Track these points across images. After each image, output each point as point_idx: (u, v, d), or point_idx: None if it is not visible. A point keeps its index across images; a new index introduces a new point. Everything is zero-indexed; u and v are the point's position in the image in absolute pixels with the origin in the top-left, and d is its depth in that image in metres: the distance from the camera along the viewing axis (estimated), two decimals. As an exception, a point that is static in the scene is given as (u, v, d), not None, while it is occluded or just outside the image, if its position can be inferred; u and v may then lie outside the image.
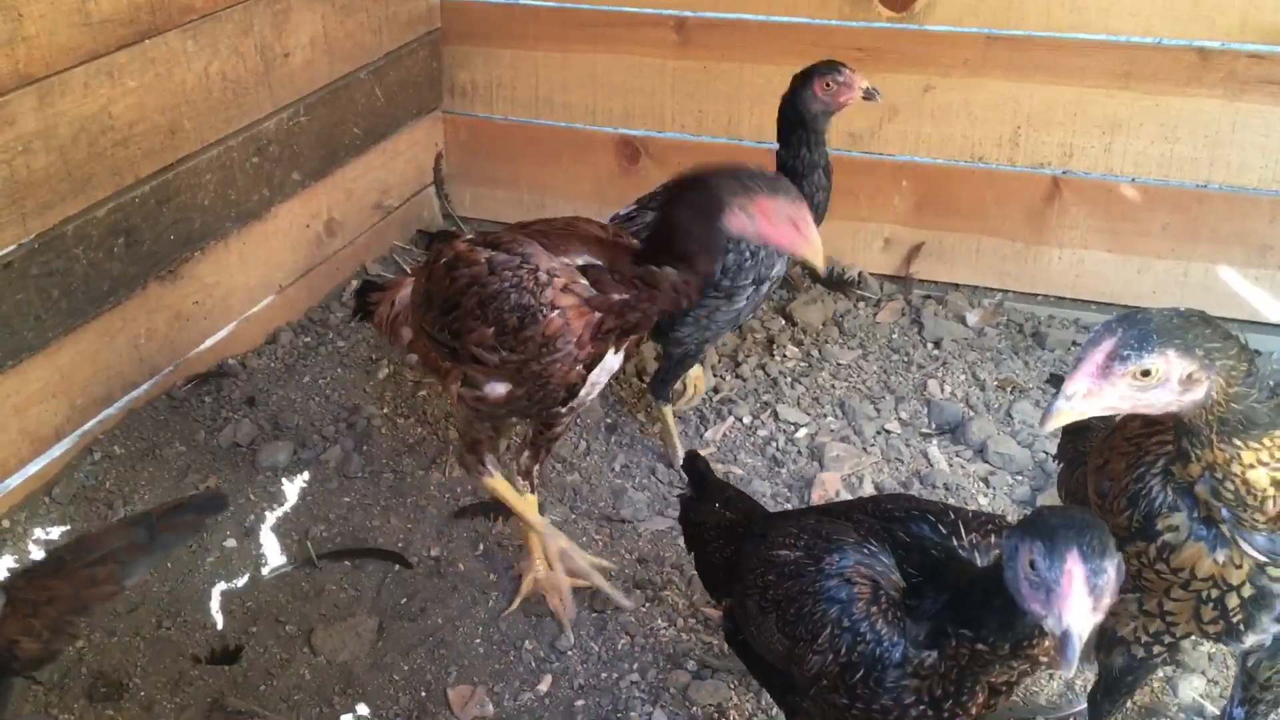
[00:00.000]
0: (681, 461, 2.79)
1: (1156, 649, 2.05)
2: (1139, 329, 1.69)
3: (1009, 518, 3.11)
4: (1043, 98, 3.83)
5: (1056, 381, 2.65)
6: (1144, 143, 3.78)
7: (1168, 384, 1.69)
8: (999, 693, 1.84)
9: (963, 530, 1.94)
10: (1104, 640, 2.13)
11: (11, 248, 2.95)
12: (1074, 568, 1.52)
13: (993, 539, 1.93)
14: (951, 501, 3.20)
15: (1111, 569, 1.54)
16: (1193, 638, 2.10)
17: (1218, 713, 2.58)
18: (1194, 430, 1.75)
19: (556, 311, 2.45)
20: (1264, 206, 3.73)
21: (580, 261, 2.52)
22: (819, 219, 3.18)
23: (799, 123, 3.03)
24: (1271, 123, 3.63)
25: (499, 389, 2.62)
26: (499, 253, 2.53)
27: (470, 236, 2.74)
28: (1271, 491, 1.75)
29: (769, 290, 3.15)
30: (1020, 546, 1.59)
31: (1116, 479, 2.01)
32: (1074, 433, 2.45)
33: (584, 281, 2.48)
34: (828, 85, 3.01)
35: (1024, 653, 1.74)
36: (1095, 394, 1.71)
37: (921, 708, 1.85)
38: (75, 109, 3.04)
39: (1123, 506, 1.96)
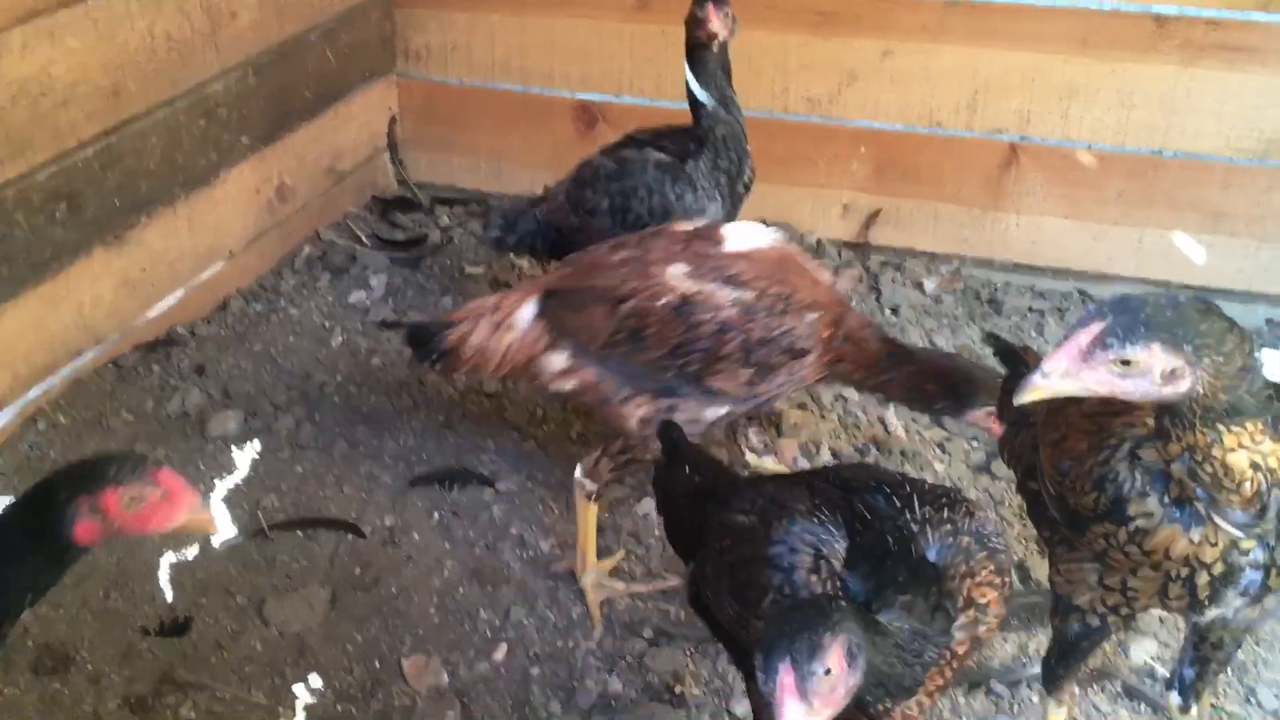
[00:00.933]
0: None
1: (1113, 619, 2.06)
2: (1129, 317, 1.65)
3: (963, 484, 3.14)
4: (1001, 64, 3.82)
5: (992, 340, 2.66)
6: (1101, 109, 3.78)
7: (1149, 375, 1.67)
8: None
9: (916, 504, 1.92)
10: (1060, 606, 2.13)
11: (-52, 212, 2.88)
12: (784, 678, 1.54)
13: (945, 513, 1.92)
14: (908, 468, 3.21)
15: (825, 666, 1.55)
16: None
17: (1168, 674, 2.60)
18: (1177, 413, 1.73)
19: (814, 354, 2.67)
20: (1218, 173, 3.75)
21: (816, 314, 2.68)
22: (742, 186, 3.20)
23: (692, 64, 3.08)
24: (1226, 89, 3.64)
25: (718, 412, 2.69)
26: (744, 293, 2.62)
27: (682, 272, 2.67)
28: (1250, 474, 1.74)
29: None
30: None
31: (1078, 459, 1.99)
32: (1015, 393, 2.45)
33: (840, 329, 2.71)
34: (696, 19, 3.07)
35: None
36: (1073, 375, 1.69)
37: None
38: (14, 70, 2.95)
39: (1088, 489, 1.94)
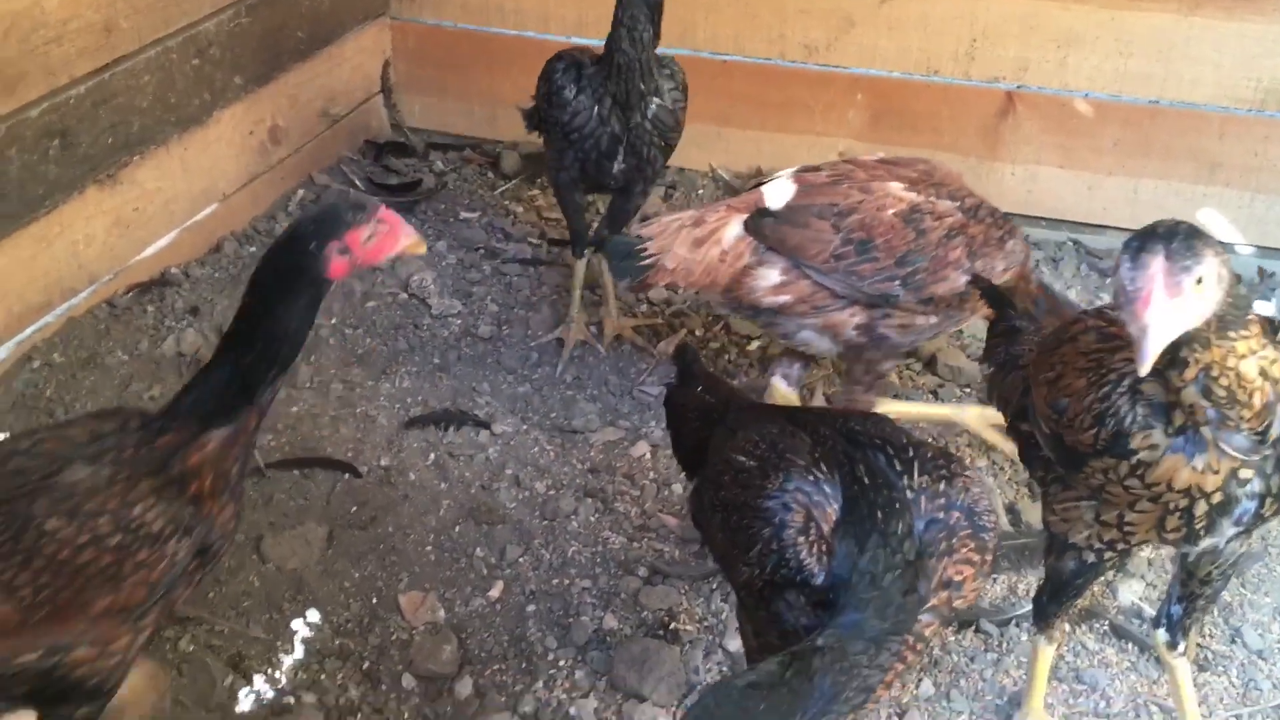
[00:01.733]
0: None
1: (1108, 555, 2.08)
2: (1179, 240, 1.65)
3: (957, 430, 3.16)
4: (999, 10, 3.80)
5: (980, 283, 2.68)
6: (1099, 57, 3.77)
7: (1213, 286, 1.68)
8: None
9: (915, 470, 1.92)
10: (1054, 544, 2.15)
11: (-59, 147, 2.85)
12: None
13: (941, 485, 1.90)
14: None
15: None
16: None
17: (1155, 614, 2.64)
18: (1194, 335, 1.74)
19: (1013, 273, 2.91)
20: (1214, 123, 3.75)
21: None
22: (644, 119, 3.17)
23: None
24: (1224, 38, 3.63)
25: (929, 321, 2.88)
26: (965, 202, 2.86)
27: (902, 186, 2.84)
28: (1259, 382, 1.77)
29: None
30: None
31: (1076, 395, 2.01)
32: (1004, 335, 2.47)
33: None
34: None
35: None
36: (1173, 314, 1.66)
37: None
38: (5, 3, 2.92)
39: (1087, 424, 1.96)
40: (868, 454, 1.92)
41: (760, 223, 2.80)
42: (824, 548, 1.85)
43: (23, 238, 3.12)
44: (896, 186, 2.82)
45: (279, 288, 1.89)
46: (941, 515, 1.88)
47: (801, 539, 1.87)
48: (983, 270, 2.78)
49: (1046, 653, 2.31)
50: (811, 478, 1.93)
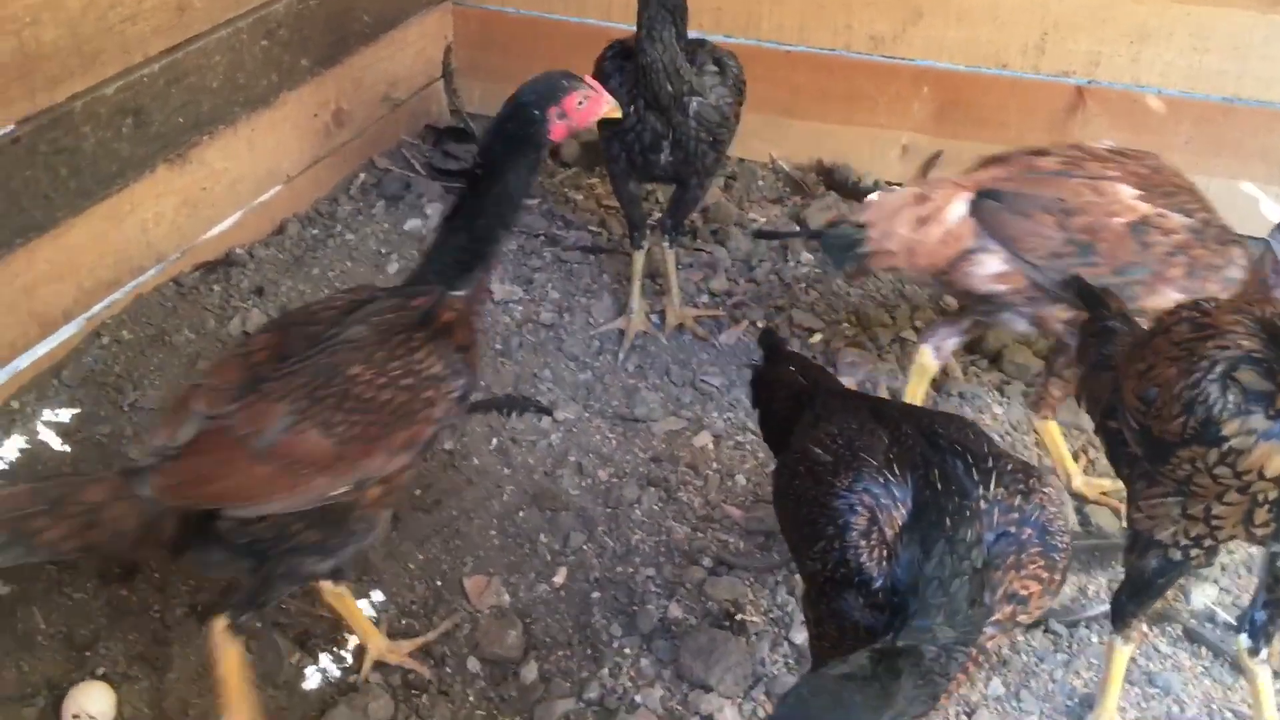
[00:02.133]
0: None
1: (1194, 552, 2.05)
2: None
3: (1022, 428, 3.12)
4: (1071, 3, 3.75)
5: (1076, 283, 2.62)
6: (1173, 53, 3.71)
7: None
8: None
9: (993, 481, 1.88)
10: (1137, 542, 2.12)
11: (20, 123, 2.87)
12: None
13: (1016, 499, 1.87)
14: (966, 410, 3.19)
15: None
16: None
17: (1229, 619, 2.61)
18: None
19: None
20: (1289, 122, 3.69)
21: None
22: (685, 116, 3.13)
23: None
24: (1304, 36, 3.57)
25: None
26: (1194, 220, 2.75)
27: (1134, 194, 2.75)
28: None
29: None
30: None
31: (1166, 385, 1.98)
32: (1098, 336, 2.43)
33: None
34: None
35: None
36: None
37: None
38: (84, -20, 2.94)
39: (1176, 412, 1.93)
40: (945, 459, 1.90)
41: (982, 204, 2.75)
42: (885, 552, 1.84)
43: (95, 214, 3.14)
44: (1128, 192, 2.73)
45: (506, 154, 2.18)
46: (1013, 530, 1.85)
47: (863, 542, 1.86)
48: (1196, 292, 2.65)
49: (1123, 653, 2.27)
50: (882, 479, 1.91)
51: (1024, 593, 1.84)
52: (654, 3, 2.97)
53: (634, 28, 3.04)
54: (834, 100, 4.13)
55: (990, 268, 2.74)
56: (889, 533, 1.85)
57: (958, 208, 2.76)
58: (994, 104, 3.96)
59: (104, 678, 2.42)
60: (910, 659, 1.66)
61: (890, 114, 4.09)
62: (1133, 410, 2.06)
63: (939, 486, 1.84)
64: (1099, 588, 2.70)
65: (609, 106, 2.29)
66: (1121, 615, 2.21)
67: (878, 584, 1.82)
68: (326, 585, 2.41)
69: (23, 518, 1.98)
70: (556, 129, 2.20)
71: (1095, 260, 2.67)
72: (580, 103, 2.22)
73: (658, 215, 3.63)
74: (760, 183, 4.22)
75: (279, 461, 2.03)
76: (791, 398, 2.36)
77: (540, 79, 2.23)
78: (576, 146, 4.33)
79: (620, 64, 3.18)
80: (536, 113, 2.18)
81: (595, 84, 2.27)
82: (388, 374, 2.09)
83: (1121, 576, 2.23)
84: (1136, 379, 2.06)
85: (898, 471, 1.91)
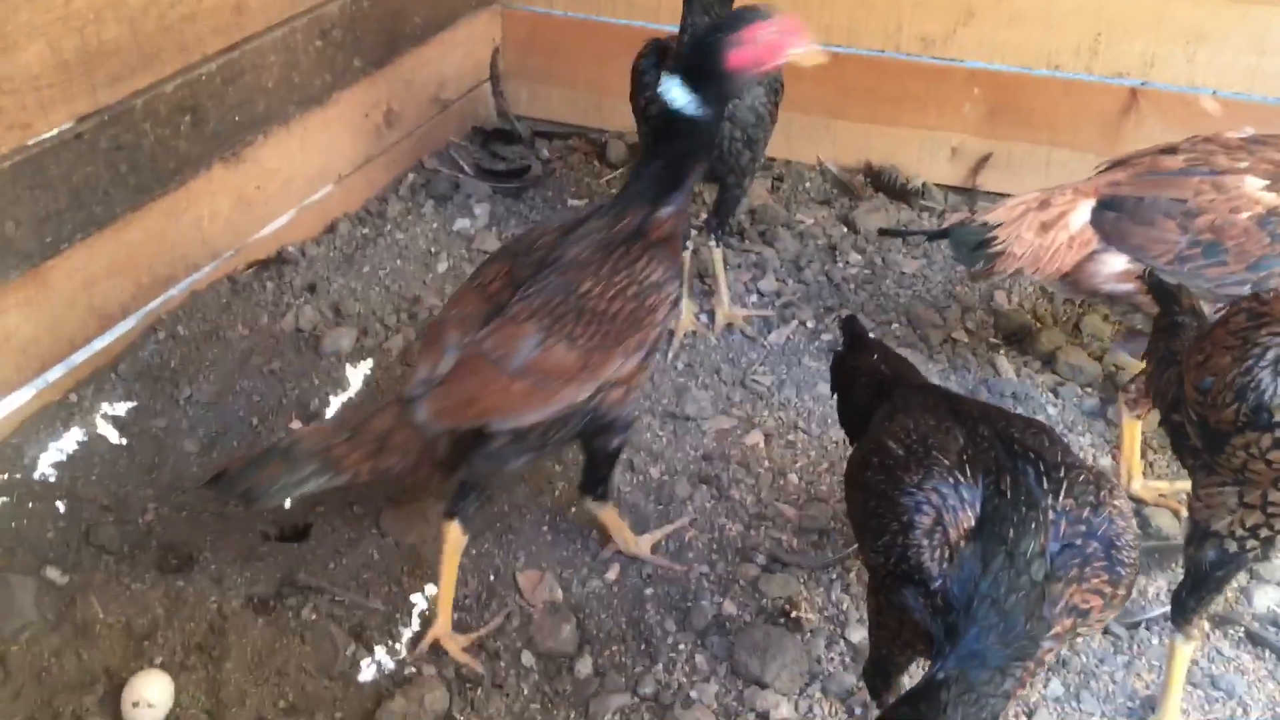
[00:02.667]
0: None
1: (1251, 543, 2.03)
2: None
3: (1076, 429, 3.09)
4: (1125, 3, 3.72)
5: (1150, 279, 2.58)
6: (1230, 54, 3.67)
7: None
8: None
9: (1063, 491, 1.84)
10: (1196, 533, 2.10)
11: (82, 119, 2.91)
12: None
13: (1085, 512, 1.82)
14: (1019, 411, 3.16)
15: None
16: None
17: (1294, 622, 2.57)
18: None
19: None
20: (1350, 124, 3.63)
21: None
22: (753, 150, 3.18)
23: None
24: (1364, 36, 3.52)
25: None
26: None
27: (1261, 185, 2.68)
28: None
29: None
30: None
31: (1221, 373, 1.98)
32: (1166, 331, 2.41)
33: None
34: None
35: None
36: None
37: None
38: (144, -21, 2.98)
39: (1229, 400, 1.93)
40: (1018, 465, 1.87)
41: (1102, 216, 2.73)
42: (947, 553, 1.83)
43: (152, 211, 3.18)
44: (1254, 185, 2.67)
45: (690, 86, 2.26)
46: (1079, 542, 1.81)
47: (926, 541, 1.84)
48: None
49: (1184, 652, 2.25)
50: (952, 480, 1.89)
51: (1085, 606, 1.81)
52: (696, 5, 2.97)
53: (676, 28, 3.06)
54: (883, 101, 4.12)
55: (1115, 267, 2.75)
56: (953, 534, 1.83)
57: (1081, 213, 2.75)
58: (1046, 106, 3.93)
59: (162, 667, 2.44)
60: (955, 689, 1.66)
61: (940, 115, 4.07)
62: (1191, 401, 2.05)
63: (1008, 494, 1.82)
64: (1159, 590, 2.66)
65: (804, 49, 2.28)
66: (1182, 611, 2.19)
67: (937, 584, 1.81)
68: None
69: (329, 448, 2.24)
70: (734, 56, 2.23)
71: (1224, 259, 2.63)
72: (765, 34, 2.24)
73: (704, 216, 3.63)
74: (807, 184, 4.21)
75: (533, 377, 2.24)
76: (871, 386, 2.35)
77: (729, 17, 2.33)
78: (623, 148, 4.35)
79: (657, 61, 3.20)
80: (711, 39, 2.26)
81: (794, 24, 2.27)
82: (615, 286, 2.29)
83: (1181, 579, 2.21)
84: (1195, 370, 2.06)
85: (969, 473, 1.89)
